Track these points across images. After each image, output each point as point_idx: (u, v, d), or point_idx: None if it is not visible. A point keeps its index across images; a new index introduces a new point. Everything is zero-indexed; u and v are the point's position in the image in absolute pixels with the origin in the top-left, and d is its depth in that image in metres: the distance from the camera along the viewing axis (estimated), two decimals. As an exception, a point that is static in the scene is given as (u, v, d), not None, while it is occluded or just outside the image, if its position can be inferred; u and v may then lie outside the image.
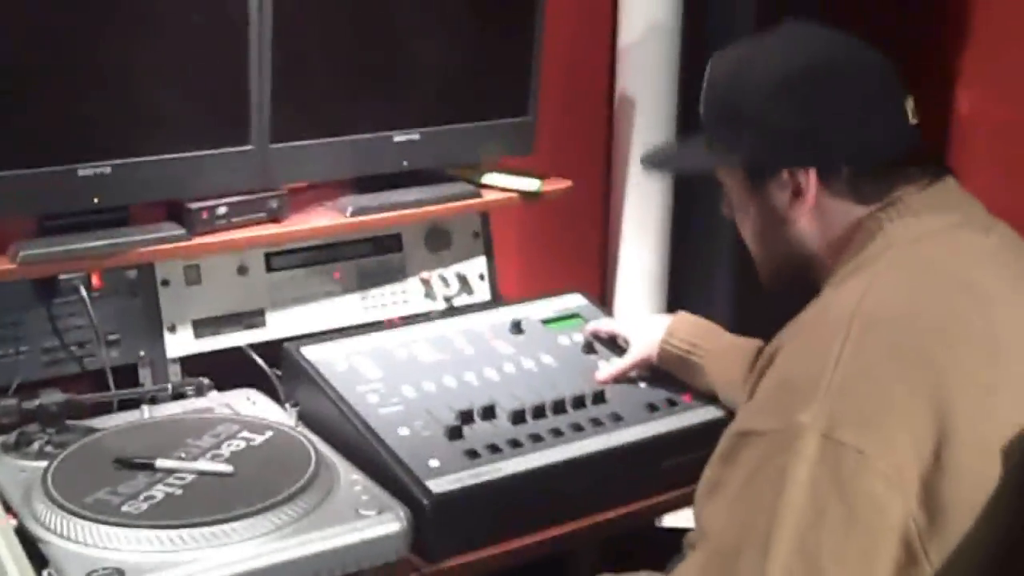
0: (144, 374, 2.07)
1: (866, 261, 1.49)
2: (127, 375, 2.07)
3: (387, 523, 1.69)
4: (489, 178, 2.33)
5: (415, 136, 2.22)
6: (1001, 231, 1.55)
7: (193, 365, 2.11)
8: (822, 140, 1.52)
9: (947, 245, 1.49)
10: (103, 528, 1.61)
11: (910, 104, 1.55)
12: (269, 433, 1.86)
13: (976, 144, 2.76)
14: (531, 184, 2.32)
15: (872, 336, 1.37)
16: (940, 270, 1.46)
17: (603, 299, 2.48)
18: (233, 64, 2.01)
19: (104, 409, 1.99)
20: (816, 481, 1.30)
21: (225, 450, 1.81)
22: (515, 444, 1.84)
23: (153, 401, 2.01)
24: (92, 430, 1.90)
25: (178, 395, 2.02)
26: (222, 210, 2.06)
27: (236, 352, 2.14)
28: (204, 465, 1.76)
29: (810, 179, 1.53)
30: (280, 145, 2.08)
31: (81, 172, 1.91)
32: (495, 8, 2.29)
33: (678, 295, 2.63)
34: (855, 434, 1.31)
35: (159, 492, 1.69)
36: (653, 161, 1.86)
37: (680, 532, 1.89)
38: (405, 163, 2.23)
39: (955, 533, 1.33)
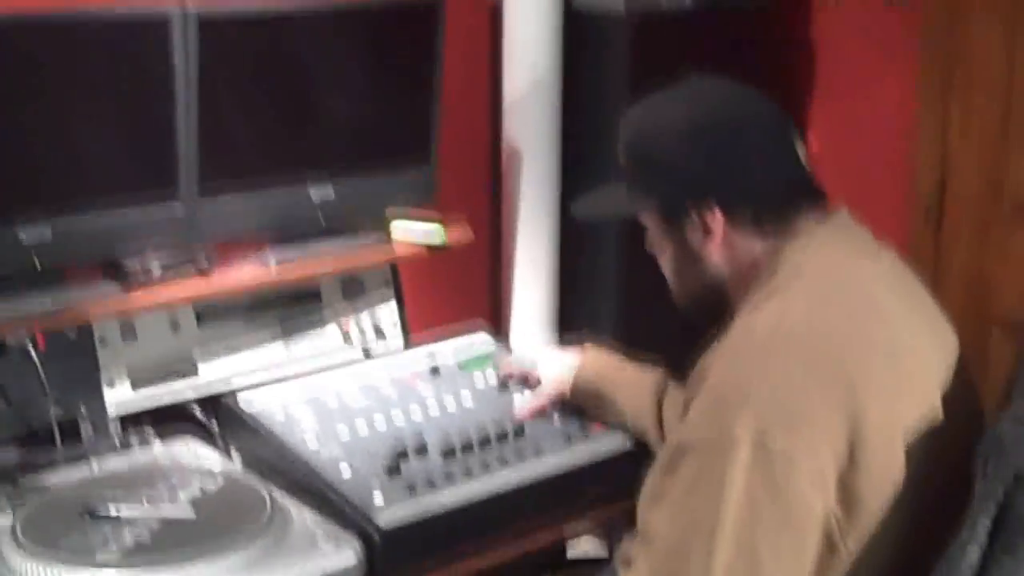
0: (85, 428, 2.16)
1: (778, 287, 1.67)
2: (68, 430, 2.14)
3: (344, 553, 1.85)
4: (397, 231, 2.47)
5: (330, 188, 2.36)
6: (890, 256, 1.77)
7: (131, 419, 2.20)
8: (726, 183, 1.71)
9: (848, 269, 1.69)
10: (83, 573, 1.72)
11: (801, 148, 1.76)
12: (222, 480, 1.99)
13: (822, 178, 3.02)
14: (437, 238, 2.48)
15: (790, 352, 1.57)
16: (845, 291, 1.66)
17: (499, 333, 2.65)
18: (161, 125, 2.13)
19: (50, 464, 2.08)
20: (751, 485, 1.49)
21: (183, 497, 1.93)
22: (449, 478, 2.00)
23: (96, 454, 2.11)
24: (46, 486, 1.99)
25: (123, 447, 2.13)
26: (156, 267, 2.17)
27: (172, 404, 2.24)
28: (167, 512, 1.88)
29: (716, 218, 1.72)
30: (208, 201, 2.20)
31: (23, 238, 2.00)
32: (397, 69, 2.45)
33: (568, 326, 2.81)
34: (783, 441, 1.50)
35: (128, 539, 1.80)
36: (581, 209, 2.02)
37: (588, 562, 2.10)
38: (322, 221, 2.37)
39: (868, 523, 1.54)
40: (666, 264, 1.83)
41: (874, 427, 1.54)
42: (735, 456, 1.51)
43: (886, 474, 1.55)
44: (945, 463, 1.59)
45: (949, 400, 1.64)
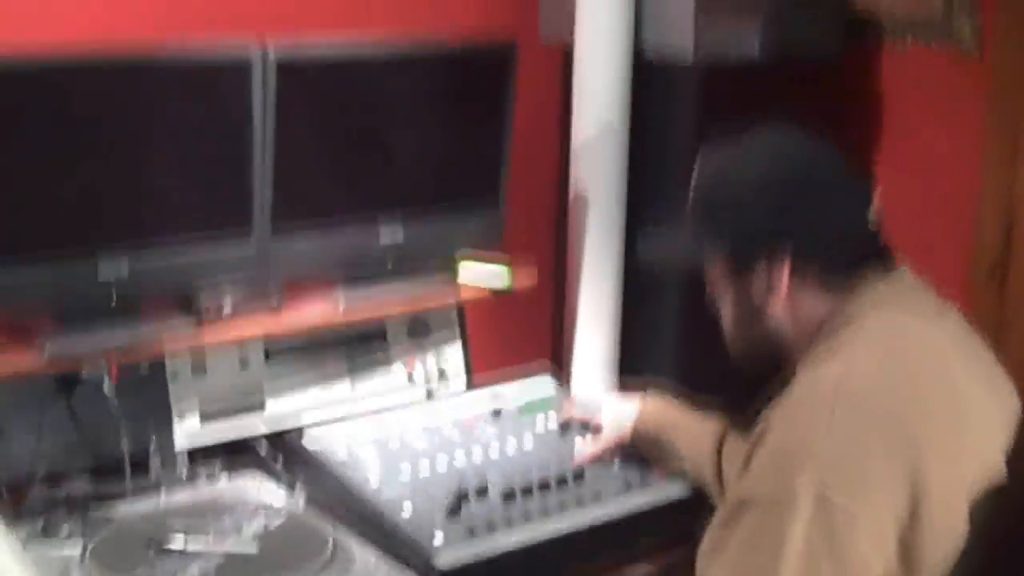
0: (154, 461, 2.21)
1: (842, 343, 1.69)
2: (137, 462, 2.19)
3: (405, 594, 1.88)
4: (464, 273, 2.51)
5: (399, 228, 2.40)
6: (953, 315, 1.78)
7: (198, 453, 2.24)
8: (796, 240, 1.72)
9: (912, 328, 1.71)
10: (149, 606, 1.77)
11: (874, 209, 1.77)
12: (285, 516, 2.03)
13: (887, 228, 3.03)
14: (502, 281, 2.52)
15: (855, 409, 1.58)
16: (908, 350, 1.67)
17: (561, 376, 2.67)
18: (237, 166, 2.18)
19: (119, 495, 2.12)
20: (811, 540, 1.51)
21: (247, 531, 1.97)
22: (509, 521, 2.03)
23: (165, 487, 2.16)
24: (114, 518, 2.04)
25: (191, 480, 2.17)
26: (228, 303, 2.22)
27: (238, 439, 2.29)
28: (231, 547, 1.92)
29: (784, 273, 1.73)
30: (280, 241, 2.25)
31: (101, 273, 2.06)
32: (469, 113, 2.49)
33: (630, 371, 2.83)
34: (845, 496, 1.51)
35: (193, 572, 1.85)
36: (647, 250, 2.04)
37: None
38: (390, 265, 2.41)
39: (928, 584, 1.55)
40: (726, 313, 1.85)
41: (936, 487, 1.55)
42: (796, 511, 1.53)
43: (947, 535, 1.56)
44: (1007, 524, 1.59)
45: (1012, 461, 1.64)
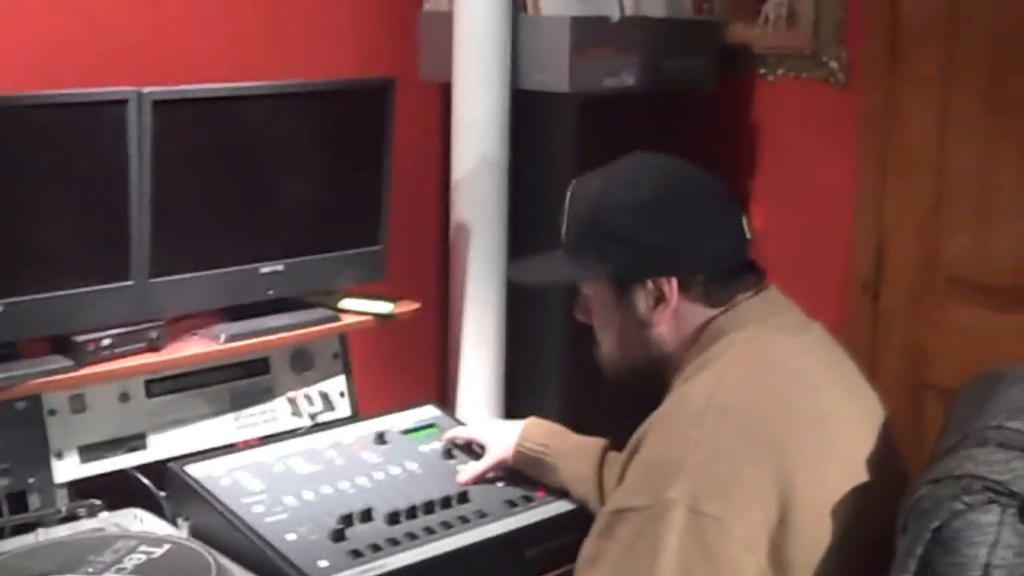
0: (33, 499, 2.17)
1: (711, 358, 1.74)
2: (15, 501, 2.16)
3: (289, 620, 1.87)
4: (346, 303, 2.54)
5: (279, 267, 2.43)
6: (818, 329, 1.83)
7: (79, 489, 2.22)
8: (683, 253, 1.76)
9: (777, 342, 1.76)
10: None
11: (746, 220, 1.82)
12: (167, 546, 2.00)
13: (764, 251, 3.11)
14: (385, 308, 2.54)
15: (724, 421, 1.63)
16: (774, 363, 1.72)
17: (447, 407, 2.69)
18: (115, 207, 2.19)
19: (-4, 534, 2.10)
20: (685, 548, 1.54)
21: (128, 564, 1.94)
22: (394, 543, 2.03)
23: (43, 524, 2.14)
24: (-11, 555, 2.01)
25: (70, 517, 2.15)
26: (106, 342, 2.21)
27: (120, 474, 2.27)
28: (112, 579, 1.90)
29: (673, 287, 1.77)
30: (158, 280, 2.26)
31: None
32: (348, 150, 2.53)
33: (514, 401, 2.86)
34: (715, 505, 1.55)
35: (73, 606, 1.83)
36: (518, 274, 2.07)
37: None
38: (271, 292, 2.43)
39: (799, 585, 1.59)
40: (608, 333, 1.87)
41: (803, 491, 1.59)
42: (669, 520, 1.56)
43: (815, 536, 1.60)
44: (872, 525, 1.63)
45: (876, 464, 1.69)
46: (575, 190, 1.87)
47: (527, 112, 2.81)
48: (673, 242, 1.76)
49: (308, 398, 2.51)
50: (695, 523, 1.55)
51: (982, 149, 2.68)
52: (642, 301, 1.79)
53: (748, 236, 1.82)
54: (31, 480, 2.18)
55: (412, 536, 2.05)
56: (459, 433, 2.35)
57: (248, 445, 2.30)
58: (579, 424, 2.24)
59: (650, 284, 1.78)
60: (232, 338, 2.36)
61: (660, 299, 1.78)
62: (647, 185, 1.79)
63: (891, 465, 1.74)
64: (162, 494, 2.21)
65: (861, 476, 1.66)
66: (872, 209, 2.89)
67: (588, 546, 1.68)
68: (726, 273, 1.79)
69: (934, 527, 1.45)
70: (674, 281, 1.77)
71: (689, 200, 1.79)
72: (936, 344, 2.76)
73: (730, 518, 1.56)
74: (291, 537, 2.02)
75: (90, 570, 1.91)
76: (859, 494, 1.64)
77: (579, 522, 2.05)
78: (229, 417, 2.42)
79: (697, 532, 1.55)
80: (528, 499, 2.20)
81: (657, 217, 1.77)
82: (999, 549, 1.44)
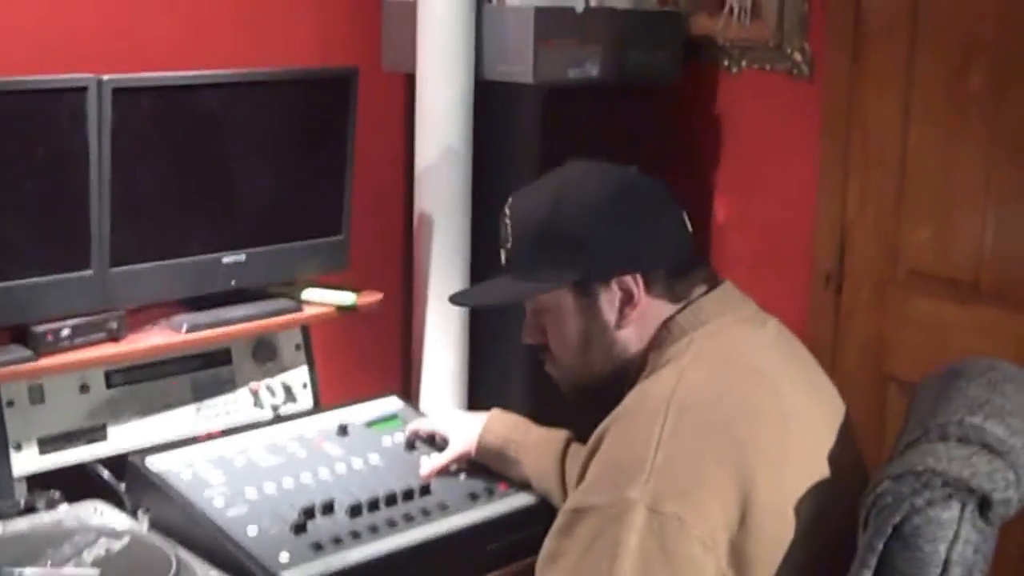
0: (-9, 491, 2.17)
1: (673, 355, 1.74)
2: (-27, 493, 2.16)
3: (249, 614, 1.86)
4: (308, 294, 2.52)
5: (241, 257, 2.41)
6: (774, 323, 1.84)
7: (38, 481, 2.20)
8: (644, 247, 1.77)
9: (736, 338, 1.76)
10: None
11: (686, 215, 1.84)
12: (126, 538, 2.00)
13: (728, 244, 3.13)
14: (347, 299, 2.53)
15: (684, 419, 1.62)
16: (734, 359, 1.73)
17: (410, 398, 2.69)
18: (74, 196, 2.17)
19: (-46, 527, 2.08)
20: (645, 547, 1.54)
21: (87, 557, 1.93)
22: (355, 535, 2.03)
23: (2, 516, 2.11)
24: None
25: (29, 509, 2.13)
26: (65, 332, 2.19)
27: (79, 466, 2.25)
28: (71, 573, 1.89)
29: (639, 283, 1.77)
30: (118, 269, 2.24)
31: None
32: (311, 140, 2.51)
33: (478, 392, 2.85)
34: (675, 505, 1.55)
35: (31, 599, 1.81)
36: (462, 300, 2.03)
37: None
38: (233, 282, 2.41)
39: (759, 584, 1.59)
40: (568, 346, 1.84)
41: (763, 490, 1.59)
42: (629, 519, 1.56)
43: (776, 535, 1.60)
44: (834, 521, 1.64)
45: (836, 460, 1.69)
46: (514, 207, 1.85)
47: (491, 103, 2.80)
48: (634, 237, 1.77)
49: (270, 389, 2.50)
50: (655, 523, 1.55)
51: (944, 143, 2.69)
52: (607, 304, 1.79)
53: (690, 230, 1.84)
54: (-11, 472, 2.17)
55: (374, 529, 2.05)
56: (422, 425, 2.35)
57: (210, 437, 2.29)
58: (543, 416, 2.24)
59: (615, 285, 1.77)
60: (193, 328, 2.34)
61: (626, 299, 1.78)
62: (595, 187, 1.80)
63: (851, 461, 1.75)
64: (122, 486, 2.20)
65: (822, 473, 1.66)
66: (835, 202, 2.90)
67: (548, 544, 1.68)
68: (683, 266, 1.80)
69: (895, 523, 1.47)
70: (639, 277, 1.77)
71: (637, 197, 1.80)
72: (898, 337, 2.77)
73: (690, 518, 1.55)
74: (252, 530, 2.01)
75: (49, 563, 1.90)
76: (820, 492, 1.65)
77: (541, 516, 2.06)
78: (190, 408, 2.40)
79: (657, 532, 1.55)
80: (490, 492, 2.20)
81: (615, 214, 1.77)
82: (959, 545, 1.46)
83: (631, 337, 1.80)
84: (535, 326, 1.88)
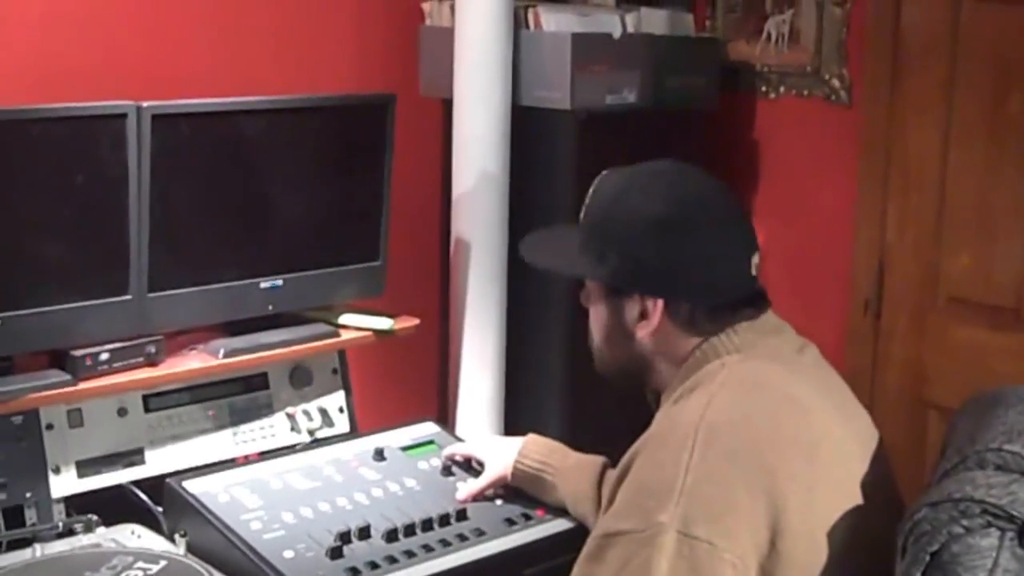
0: (30, 514, 2.17)
1: (703, 380, 1.73)
2: (12, 516, 2.16)
3: (286, 638, 1.86)
4: (345, 319, 2.53)
5: (279, 282, 2.43)
6: (810, 352, 1.82)
7: (77, 504, 2.22)
8: (674, 280, 1.75)
9: (770, 365, 1.74)
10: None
11: (756, 258, 1.78)
12: (163, 562, 2.00)
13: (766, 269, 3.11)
14: (384, 324, 2.54)
15: (714, 445, 1.61)
16: (766, 386, 1.71)
17: (446, 423, 2.69)
18: (113, 221, 2.19)
19: (-8, 548, 2.09)
20: (676, 571, 1.53)
21: (124, 581, 1.95)
22: (392, 560, 2.02)
23: (40, 539, 2.13)
24: (-15, 570, 2.01)
25: (67, 532, 2.14)
26: (104, 356, 2.21)
27: (117, 489, 2.27)
28: (108, 596, 1.90)
29: (657, 308, 1.76)
30: (157, 294, 2.26)
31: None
32: (348, 166, 2.53)
33: (514, 418, 2.85)
34: (706, 529, 1.54)
35: (69, 623, 1.82)
36: (530, 249, 1.99)
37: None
38: (270, 307, 2.43)
39: (788, 610, 1.58)
40: (597, 325, 1.86)
41: (794, 516, 1.58)
42: (660, 544, 1.55)
43: (807, 561, 1.59)
44: (868, 548, 1.62)
45: (868, 487, 1.68)
46: (602, 180, 1.85)
47: (528, 128, 2.81)
48: (667, 268, 1.74)
49: (307, 414, 2.51)
50: (686, 547, 1.54)
51: (983, 168, 2.68)
52: (628, 310, 1.79)
53: (754, 274, 1.79)
54: (28, 495, 2.18)
55: (410, 554, 2.05)
56: (458, 450, 2.34)
57: (246, 461, 2.30)
58: (579, 441, 2.24)
59: (637, 298, 1.77)
60: (231, 353, 2.35)
61: (644, 315, 1.78)
62: (662, 201, 1.75)
63: (885, 488, 1.74)
64: (159, 510, 2.21)
65: (854, 500, 1.65)
66: (874, 228, 2.89)
67: (578, 570, 1.67)
68: (722, 304, 1.77)
69: (932, 551, 1.45)
70: (660, 303, 1.76)
71: (698, 229, 1.75)
72: (937, 363, 2.75)
73: (721, 542, 1.55)
74: (288, 554, 2.01)
75: (86, 586, 1.91)
76: (852, 518, 1.63)
77: (578, 541, 2.01)
78: (227, 432, 2.41)
79: (688, 556, 1.54)
80: (527, 517, 2.20)
81: (659, 239, 1.74)
82: (998, 573, 1.44)
83: (649, 348, 1.79)
84: (586, 294, 1.88)
